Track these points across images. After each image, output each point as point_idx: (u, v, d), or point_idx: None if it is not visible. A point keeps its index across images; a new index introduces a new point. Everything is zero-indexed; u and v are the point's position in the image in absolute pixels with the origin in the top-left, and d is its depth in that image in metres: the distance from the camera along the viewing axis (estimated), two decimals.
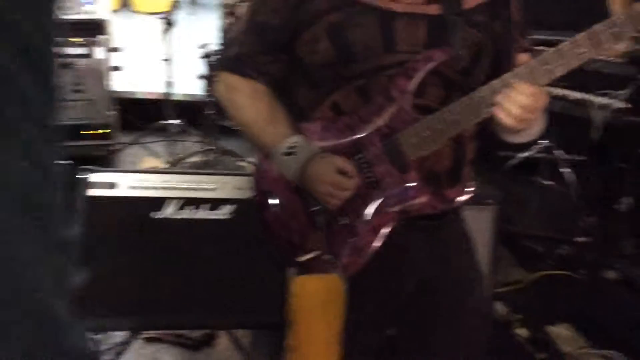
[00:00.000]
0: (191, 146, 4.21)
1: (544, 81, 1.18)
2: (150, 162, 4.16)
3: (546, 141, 3.97)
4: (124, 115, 4.56)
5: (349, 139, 1.29)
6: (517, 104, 1.16)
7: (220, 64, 1.43)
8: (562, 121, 3.87)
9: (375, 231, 1.28)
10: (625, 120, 3.25)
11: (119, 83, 4.56)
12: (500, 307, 2.78)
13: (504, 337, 2.65)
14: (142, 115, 4.58)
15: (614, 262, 3.13)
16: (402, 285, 1.42)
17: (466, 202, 2.32)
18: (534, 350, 2.57)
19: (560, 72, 1.17)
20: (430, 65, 1.21)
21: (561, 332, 2.64)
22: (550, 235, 3.49)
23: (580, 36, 1.15)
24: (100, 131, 4.12)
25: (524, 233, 3.52)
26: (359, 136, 1.28)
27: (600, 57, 3.07)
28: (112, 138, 4.19)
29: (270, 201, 1.41)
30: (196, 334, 2.56)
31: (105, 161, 4.14)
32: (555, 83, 1.17)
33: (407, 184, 1.25)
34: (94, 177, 2.18)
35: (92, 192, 2.17)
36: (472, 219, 2.32)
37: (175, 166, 3.93)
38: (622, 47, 1.08)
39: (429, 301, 1.45)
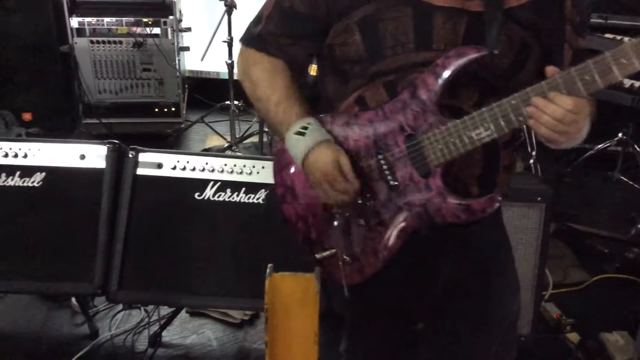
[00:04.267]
0: (251, 126, 4.27)
1: (583, 93, 1.06)
2: (214, 141, 4.26)
3: (619, 134, 3.72)
4: (191, 94, 4.70)
5: (371, 136, 1.23)
6: (551, 115, 1.06)
7: (244, 40, 1.36)
8: (635, 115, 3.62)
9: (394, 236, 1.23)
10: None
11: (187, 63, 4.68)
12: (552, 309, 2.65)
13: (552, 341, 2.53)
14: (208, 95, 4.69)
15: None
16: (429, 287, 1.38)
17: (516, 200, 2.25)
18: (583, 357, 2.43)
19: (600, 85, 1.04)
20: (461, 62, 1.12)
21: (616, 340, 2.48)
22: (619, 237, 3.28)
23: (627, 45, 1.01)
24: (170, 109, 4.26)
25: (590, 232, 3.33)
26: (381, 134, 1.22)
27: None
28: (181, 116, 4.32)
29: (290, 194, 1.38)
30: (240, 313, 2.61)
31: (173, 138, 4.29)
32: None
33: (429, 191, 1.19)
34: (142, 157, 2.26)
35: (140, 171, 2.26)
36: (520, 216, 2.25)
37: (235, 145, 3.99)
38: None
39: (455, 305, 1.40)
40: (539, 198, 2.16)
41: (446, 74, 1.13)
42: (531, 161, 3.43)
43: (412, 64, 1.18)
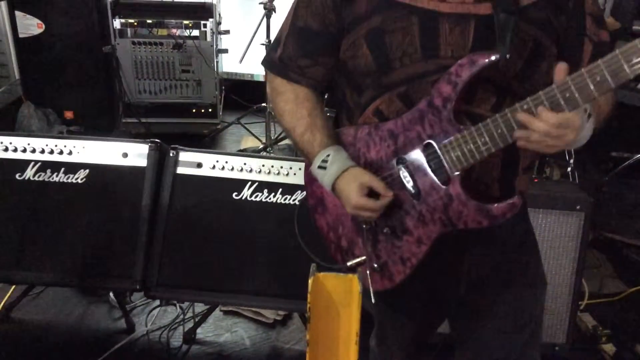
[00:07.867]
0: None
1: (571, 108, 1.03)
2: (249, 142, 4.31)
3: None
4: (227, 95, 4.76)
5: (391, 147, 1.25)
6: (538, 131, 1.05)
7: (266, 64, 1.39)
8: None
9: (419, 242, 1.25)
10: None
11: (225, 64, 4.75)
12: (587, 320, 2.61)
13: (587, 352, 2.49)
14: (244, 97, 4.75)
15: None
16: (453, 287, 1.40)
17: (555, 208, 2.22)
18: None
19: (612, 85, 0.99)
20: (474, 70, 1.11)
21: None
22: None
23: (637, 42, 0.96)
24: (207, 110, 4.33)
25: (628, 242, 3.28)
26: (401, 144, 1.24)
27: None
28: (217, 117, 4.38)
29: (320, 206, 1.43)
30: (273, 313, 2.64)
31: (209, 139, 4.35)
32: None
33: (449, 198, 1.19)
34: (182, 156, 2.31)
35: (180, 170, 2.30)
36: (559, 224, 2.23)
37: (270, 147, 4.03)
38: None
39: (480, 303, 1.41)
40: (579, 207, 2.14)
41: (460, 81, 1.13)
42: (569, 169, 3.37)
43: (423, 73, 1.19)
